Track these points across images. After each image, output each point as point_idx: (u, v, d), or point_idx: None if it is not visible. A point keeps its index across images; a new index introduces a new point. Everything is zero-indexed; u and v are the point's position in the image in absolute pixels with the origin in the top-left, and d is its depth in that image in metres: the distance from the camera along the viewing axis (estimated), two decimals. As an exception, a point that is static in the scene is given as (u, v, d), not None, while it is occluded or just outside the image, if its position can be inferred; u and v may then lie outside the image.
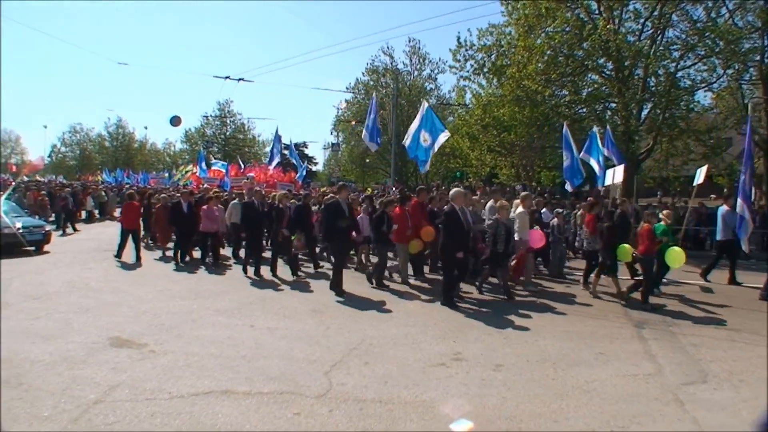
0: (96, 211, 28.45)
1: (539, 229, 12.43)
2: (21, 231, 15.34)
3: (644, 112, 22.41)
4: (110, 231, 21.10)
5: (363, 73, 47.49)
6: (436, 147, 14.37)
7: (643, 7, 21.39)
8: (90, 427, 4.64)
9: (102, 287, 10.76)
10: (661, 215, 11.25)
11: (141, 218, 16.13)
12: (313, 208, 15.40)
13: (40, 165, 63.48)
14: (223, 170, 28.87)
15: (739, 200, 11.32)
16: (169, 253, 14.97)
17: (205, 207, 14.35)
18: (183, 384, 5.63)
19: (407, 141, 14.92)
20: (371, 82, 46.43)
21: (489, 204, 11.89)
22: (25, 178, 47.81)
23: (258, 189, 14.44)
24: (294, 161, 28.87)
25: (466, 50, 24.26)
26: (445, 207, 10.37)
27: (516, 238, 11.12)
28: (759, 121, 22.55)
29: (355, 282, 11.65)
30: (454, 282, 10.03)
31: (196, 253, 14.67)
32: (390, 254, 12.63)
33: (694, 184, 13.66)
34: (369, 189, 32.27)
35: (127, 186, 40.04)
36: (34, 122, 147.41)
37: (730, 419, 5.09)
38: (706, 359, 6.91)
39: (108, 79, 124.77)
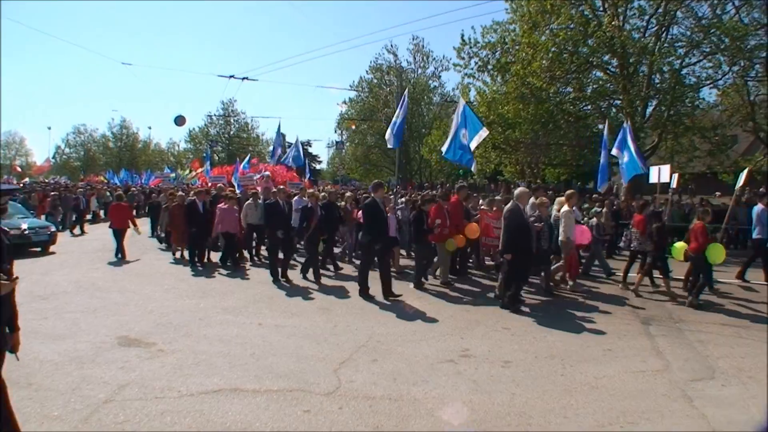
0: (102, 212, 28.48)
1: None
2: (27, 232, 15.43)
3: (649, 109, 22.38)
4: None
5: (367, 71, 47.56)
6: (474, 144, 13.97)
7: (647, 4, 21.34)
8: (100, 427, 4.66)
9: (109, 287, 10.78)
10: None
11: (134, 217, 16.29)
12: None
13: (47, 167, 63.55)
14: (245, 169, 28.62)
15: None
16: (185, 255, 14.66)
17: (224, 207, 13.73)
18: (192, 382, 5.65)
19: (444, 148, 14.59)
20: (375, 80, 46.46)
21: (530, 201, 11.56)
22: (28, 180, 47.85)
23: (282, 188, 13.99)
24: (296, 158, 28.66)
25: (471, 48, 24.18)
26: (508, 205, 9.85)
27: (562, 238, 10.84)
28: (764, 118, 22.49)
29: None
30: (520, 285, 9.64)
31: (211, 255, 14.40)
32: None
33: (737, 186, 13.40)
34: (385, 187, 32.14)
35: (132, 187, 40.09)
36: (38, 124, 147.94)
37: (739, 415, 5.07)
38: (713, 355, 6.90)
39: (112, 79, 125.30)
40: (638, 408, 5.19)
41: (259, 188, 18.51)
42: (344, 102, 49.97)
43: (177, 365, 6.18)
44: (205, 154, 46.51)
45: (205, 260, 14.10)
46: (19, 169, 68.47)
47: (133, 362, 6.27)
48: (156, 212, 19.45)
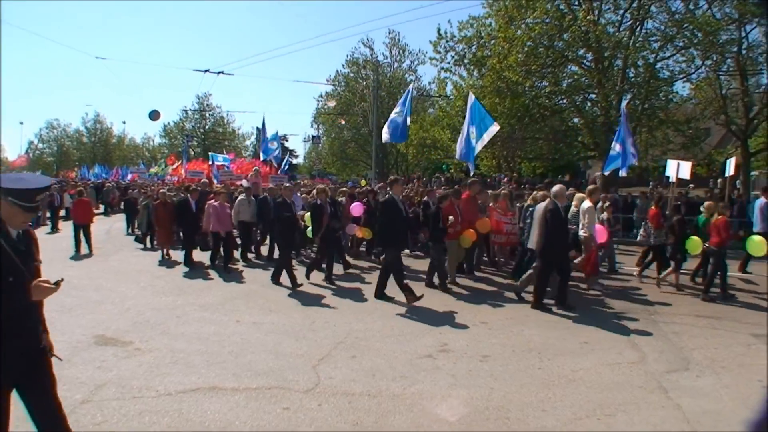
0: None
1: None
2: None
3: (623, 103, 22.59)
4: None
5: (343, 65, 47.41)
6: (486, 139, 13.44)
7: (622, -1, 21.53)
8: (78, 428, 4.58)
9: (84, 285, 10.63)
10: (702, 208, 11.31)
11: (93, 214, 16.42)
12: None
13: (25, 161, 62.36)
14: (225, 163, 28.19)
15: None
16: (175, 257, 13.92)
17: (215, 203, 12.85)
18: (170, 381, 5.60)
19: (461, 146, 14.22)
20: (351, 74, 46.34)
21: (585, 205, 10.53)
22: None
23: (288, 185, 13.40)
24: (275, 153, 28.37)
25: (447, 42, 24.18)
26: (543, 204, 9.36)
27: (584, 234, 10.34)
28: (736, 112, 22.83)
29: (344, 277, 11.68)
30: (566, 284, 9.32)
31: (199, 255, 13.43)
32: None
33: (726, 175, 13.44)
34: (364, 181, 32.06)
35: (108, 182, 39.58)
36: (9, 118, 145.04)
37: (713, 405, 5.18)
38: (688, 347, 7.03)
39: (85, 74, 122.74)
40: (615, 400, 5.26)
41: (244, 183, 18.21)
42: (321, 96, 49.60)
43: (154, 364, 6.12)
44: (181, 149, 46.06)
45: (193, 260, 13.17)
46: None
47: (110, 361, 6.20)
48: (131, 208, 19.22)
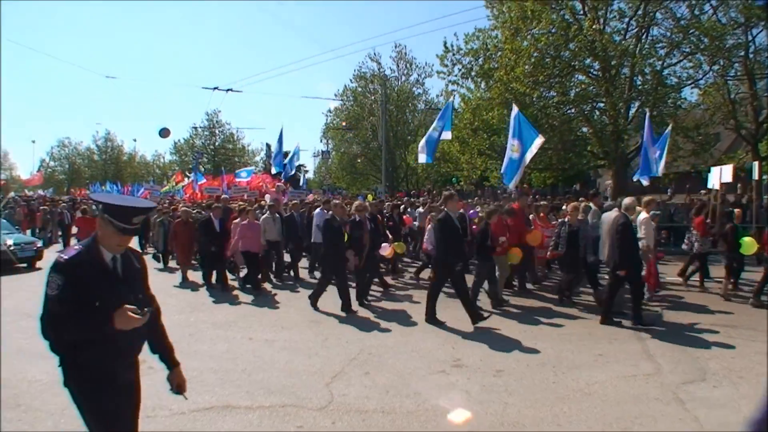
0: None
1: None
2: (12, 248, 15.27)
3: (632, 111, 22.53)
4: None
5: (351, 80, 47.57)
6: (529, 155, 12.80)
7: (627, 6, 21.53)
8: (91, 448, 4.60)
9: (97, 304, 10.64)
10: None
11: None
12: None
13: (39, 180, 62.66)
14: (245, 179, 27.99)
15: None
16: (193, 278, 13.40)
17: (244, 222, 12.14)
18: (183, 400, 5.59)
19: (504, 167, 13.50)
20: (359, 89, 46.49)
21: (642, 216, 9.93)
22: (13, 194, 47.30)
23: (337, 202, 11.83)
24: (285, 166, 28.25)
25: (454, 55, 24.27)
26: (616, 216, 8.91)
27: (643, 246, 9.59)
28: (745, 116, 22.74)
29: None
30: (639, 299, 8.90)
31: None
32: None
33: (754, 179, 13.25)
34: (371, 196, 31.96)
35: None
36: (22, 137, 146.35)
37: (731, 416, 5.10)
38: (704, 357, 6.95)
39: (96, 92, 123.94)
40: (631, 413, 5.21)
41: (267, 199, 17.76)
42: (329, 111, 49.70)
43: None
44: (192, 166, 46.26)
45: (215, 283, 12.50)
46: (3, 183, 67.69)
47: (123, 382, 6.20)
48: (144, 225, 19.20)
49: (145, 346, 3.49)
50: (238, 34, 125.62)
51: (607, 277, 9.91)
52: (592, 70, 22.72)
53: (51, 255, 18.01)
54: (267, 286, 12.63)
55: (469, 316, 8.65)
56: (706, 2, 20.57)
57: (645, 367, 6.57)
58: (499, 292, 10.47)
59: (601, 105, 23.04)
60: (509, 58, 21.87)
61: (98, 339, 2.90)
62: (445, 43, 24.32)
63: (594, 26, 20.49)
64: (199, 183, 30.65)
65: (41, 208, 24.81)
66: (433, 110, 44.82)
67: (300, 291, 11.95)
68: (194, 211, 16.03)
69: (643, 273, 9.96)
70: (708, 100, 23.71)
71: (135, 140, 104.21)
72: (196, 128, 66.31)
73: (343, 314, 9.63)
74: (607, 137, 21.99)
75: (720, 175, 13.54)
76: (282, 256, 13.96)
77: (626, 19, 21.77)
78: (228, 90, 26.93)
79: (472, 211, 14.31)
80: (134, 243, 18.75)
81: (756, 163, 14.00)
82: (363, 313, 9.76)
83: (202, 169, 32.78)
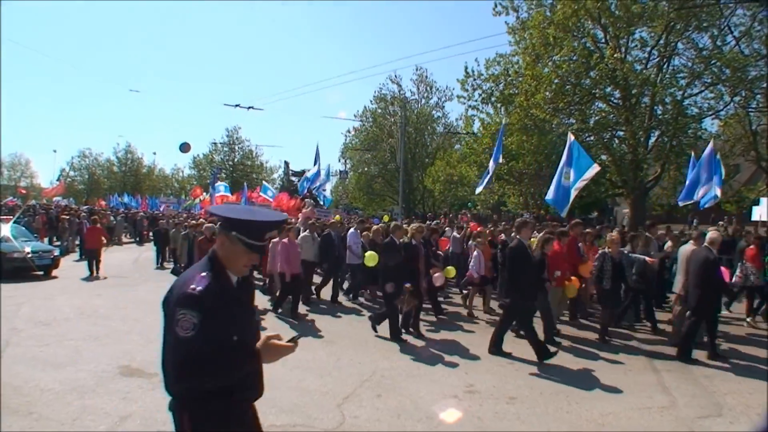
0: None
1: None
2: (30, 255, 15.48)
3: (651, 140, 22.42)
4: (117, 256, 21.28)
5: (371, 101, 47.85)
6: (582, 183, 12.62)
7: (649, 36, 21.52)
8: (102, 460, 4.61)
9: (111, 314, 10.73)
10: None
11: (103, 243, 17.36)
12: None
13: (61, 190, 63.33)
14: (270, 198, 27.91)
15: None
16: None
17: (284, 241, 11.12)
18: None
19: (550, 195, 13.47)
20: (379, 110, 46.74)
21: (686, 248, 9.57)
22: (33, 202, 47.88)
23: (397, 223, 11.53)
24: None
25: (474, 80, 24.39)
26: (690, 246, 8.74)
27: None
28: (766, 148, 22.54)
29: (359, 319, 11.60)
30: (715, 327, 8.60)
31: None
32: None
33: None
34: (387, 217, 31.86)
35: (139, 212, 40.13)
36: (44, 146, 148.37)
37: (749, 455, 5.01)
38: (720, 391, 6.84)
39: (119, 105, 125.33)
40: (645, 447, 5.13)
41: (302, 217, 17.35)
42: (348, 131, 49.92)
43: (179, 398, 6.11)
44: (210, 181, 46.63)
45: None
46: (24, 191, 68.47)
47: (135, 393, 6.22)
48: (162, 239, 19.26)
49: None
50: (262, 52, 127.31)
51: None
52: (612, 99, 22.66)
53: (67, 263, 18.27)
54: (302, 309, 11.60)
55: (535, 352, 8.05)
56: (728, 34, 20.53)
57: (660, 400, 6.47)
58: (554, 323, 9.74)
59: (621, 133, 22.94)
60: (530, 84, 21.88)
61: (237, 381, 2.62)
62: (466, 67, 24.45)
63: (615, 55, 20.45)
64: (216, 195, 30.78)
65: (61, 217, 25.08)
66: (451, 134, 45.00)
67: (311, 309, 11.87)
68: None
69: None
70: (728, 132, 23.57)
71: (155, 153, 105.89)
72: (215, 144, 67.07)
73: (357, 335, 9.59)
74: (626, 166, 21.86)
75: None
76: (312, 278, 13.09)
77: (648, 49, 21.73)
78: (249, 107, 27.13)
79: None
80: (150, 255, 18.91)
81: None
82: (376, 335, 9.63)
83: (222, 187, 32.70)
